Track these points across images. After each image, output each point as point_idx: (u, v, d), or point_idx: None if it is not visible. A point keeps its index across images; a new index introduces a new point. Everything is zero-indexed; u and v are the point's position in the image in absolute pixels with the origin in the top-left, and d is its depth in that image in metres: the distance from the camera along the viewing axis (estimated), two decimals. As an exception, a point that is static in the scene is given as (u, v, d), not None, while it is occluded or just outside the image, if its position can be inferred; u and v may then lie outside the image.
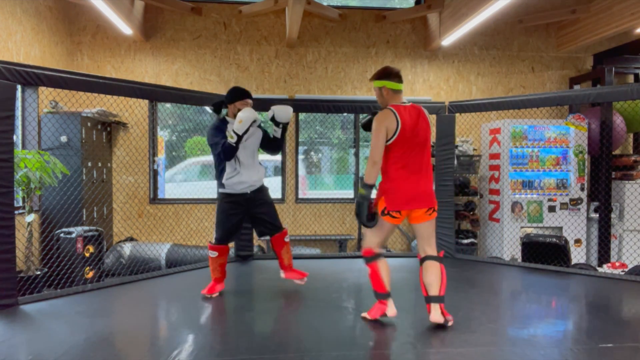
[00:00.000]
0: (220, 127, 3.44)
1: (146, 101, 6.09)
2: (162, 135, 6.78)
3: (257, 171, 3.59)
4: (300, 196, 6.72)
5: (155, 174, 6.46)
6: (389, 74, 2.92)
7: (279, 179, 6.73)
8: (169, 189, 6.80)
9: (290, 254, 3.80)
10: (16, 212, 3.67)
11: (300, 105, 5.72)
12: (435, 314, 2.80)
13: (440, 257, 2.97)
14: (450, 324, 2.84)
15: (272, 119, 3.58)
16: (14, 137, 3.52)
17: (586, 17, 6.19)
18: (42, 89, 5.06)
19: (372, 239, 2.98)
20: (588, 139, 6.15)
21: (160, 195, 6.60)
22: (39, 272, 4.28)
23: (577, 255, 6.03)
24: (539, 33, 6.92)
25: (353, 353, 2.54)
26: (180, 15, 6.40)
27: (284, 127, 3.63)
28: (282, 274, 3.82)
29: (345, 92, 6.71)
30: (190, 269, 4.52)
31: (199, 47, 6.47)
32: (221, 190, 3.54)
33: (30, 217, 4.33)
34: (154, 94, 4.35)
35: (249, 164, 3.53)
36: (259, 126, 3.69)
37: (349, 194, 6.88)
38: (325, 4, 6.50)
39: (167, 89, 4.43)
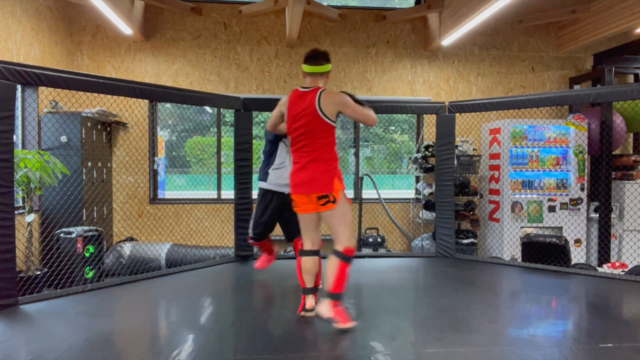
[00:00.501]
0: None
1: (146, 101, 6.09)
2: (162, 135, 6.78)
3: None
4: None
5: (155, 174, 6.46)
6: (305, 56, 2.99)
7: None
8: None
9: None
10: (16, 212, 3.67)
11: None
12: (321, 307, 2.81)
13: (343, 253, 2.84)
14: (336, 325, 2.73)
15: None
16: (14, 137, 3.52)
17: (586, 17, 6.19)
18: (42, 89, 5.06)
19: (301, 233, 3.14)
20: (588, 139, 6.15)
21: (160, 196, 6.60)
22: (39, 272, 4.28)
23: (577, 255, 6.03)
24: (539, 33, 6.92)
25: (353, 353, 2.54)
26: (180, 15, 6.40)
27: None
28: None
29: (345, 92, 6.70)
30: (190, 269, 4.52)
31: (199, 47, 6.47)
32: (262, 185, 3.65)
33: (30, 217, 4.32)
34: (154, 94, 4.35)
35: (289, 162, 3.41)
36: None
37: (349, 194, 6.88)
38: (325, 4, 6.50)
39: (167, 89, 4.43)
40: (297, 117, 2.87)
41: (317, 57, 2.93)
